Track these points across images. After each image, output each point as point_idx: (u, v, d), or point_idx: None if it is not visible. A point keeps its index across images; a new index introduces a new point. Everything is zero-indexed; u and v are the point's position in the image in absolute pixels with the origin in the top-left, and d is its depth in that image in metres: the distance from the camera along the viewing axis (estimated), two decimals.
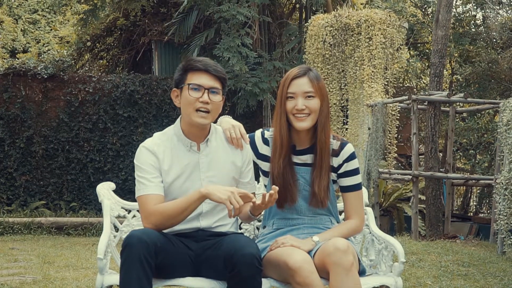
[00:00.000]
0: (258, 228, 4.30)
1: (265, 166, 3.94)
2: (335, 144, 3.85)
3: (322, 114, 3.78)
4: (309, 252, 3.57)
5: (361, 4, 17.90)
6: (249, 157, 3.90)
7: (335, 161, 3.85)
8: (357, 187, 3.88)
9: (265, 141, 3.93)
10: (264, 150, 3.93)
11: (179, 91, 3.75)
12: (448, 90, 15.85)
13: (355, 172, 3.87)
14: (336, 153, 3.84)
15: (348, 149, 3.86)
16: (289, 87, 3.76)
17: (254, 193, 3.93)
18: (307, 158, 3.86)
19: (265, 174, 3.95)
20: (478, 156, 15.08)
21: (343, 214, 4.08)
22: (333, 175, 3.88)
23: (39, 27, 24.43)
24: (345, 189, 3.88)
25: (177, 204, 3.57)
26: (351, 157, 3.86)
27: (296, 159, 3.86)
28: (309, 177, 3.83)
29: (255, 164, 3.96)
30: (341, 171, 3.86)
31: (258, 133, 3.98)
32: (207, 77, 3.69)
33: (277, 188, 3.53)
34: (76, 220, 12.63)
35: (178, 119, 3.83)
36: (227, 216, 3.82)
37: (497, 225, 8.80)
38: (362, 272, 3.68)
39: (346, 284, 3.37)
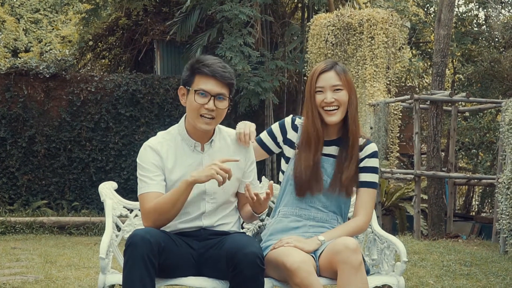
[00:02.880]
0: (260, 227, 4.30)
1: (289, 152, 3.96)
2: (360, 141, 3.90)
3: (352, 106, 3.83)
4: (315, 251, 3.58)
5: (363, 3, 17.89)
6: (252, 157, 3.90)
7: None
8: (372, 185, 3.90)
9: (295, 128, 3.95)
10: (291, 135, 3.95)
11: (186, 92, 3.72)
12: (450, 89, 15.85)
13: (373, 170, 3.91)
14: (361, 148, 3.89)
15: (372, 146, 3.93)
16: (317, 82, 3.80)
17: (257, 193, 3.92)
18: (333, 150, 3.89)
19: (287, 160, 3.97)
20: (480, 155, 15.07)
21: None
22: None
23: (41, 27, 24.45)
24: (361, 184, 3.90)
25: (167, 197, 3.58)
26: (373, 154, 3.91)
27: (325, 150, 3.89)
28: (331, 168, 3.87)
29: (258, 164, 3.97)
30: (361, 165, 3.90)
31: (288, 119, 4.01)
32: (214, 83, 3.65)
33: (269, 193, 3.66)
34: (78, 220, 12.64)
35: (183, 118, 3.82)
36: (229, 215, 3.85)
37: (499, 225, 8.80)
38: (366, 272, 3.68)
39: (354, 283, 3.38)
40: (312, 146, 3.83)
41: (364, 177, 3.89)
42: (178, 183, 3.68)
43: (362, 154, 3.89)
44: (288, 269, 3.40)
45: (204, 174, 3.50)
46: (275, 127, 4.01)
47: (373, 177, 3.89)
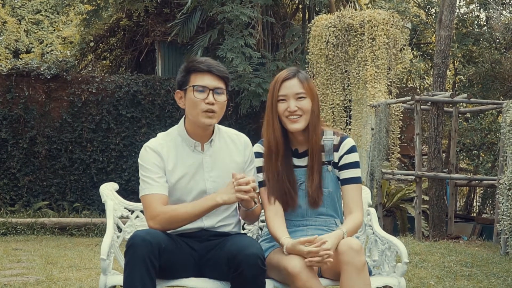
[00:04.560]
0: (261, 229, 4.30)
1: None
2: (335, 140, 3.85)
3: (314, 114, 3.78)
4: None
5: (364, 4, 17.89)
6: (252, 156, 3.89)
7: (336, 156, 3.85)
8: (356, 180, 3.84)
9: None
10: None
11: (183, 93, 3.74)
12: (451, 90, 15.85)
13: (354, 165, 3.84)
14: (337, 148, 3.84)
15: (348, 142, 3.85)
16: (280, 90, 3.77)
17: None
18: (307, 161, 3.85)
19: None
20: (482, 156, 15.06)
21: None
22: (337, 172, 3.87)
23: (42, 28, 24.48)
24: (345, 182, 3.84)
25: (189, 208, 3.60)
26: (351, 150, 3.84)
27: (299, 162, 3.86)
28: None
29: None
30: (340, 163, 3.85)
31: (259, 148, 3.93)
32: (211, 78, 3.68)
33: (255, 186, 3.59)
34: (79, 221, 12.62)
35: (182, 119, 3.83)
36: (230, 216, 3.84)
37: (500, 226, 8.79)
38: (368, 273, 3.67)
39: (357, 283, 3.38)
40: (272, 157, 3.81)
41: (347, 174, 3.83)
42: (179, 184, 3.70)
43: (340, 153, 3.83)
44: (290, 274, 3.41)
45: (231, 199, 3.56)
46: (258, 165, 3.92)
47: (356, 172, 3.84)
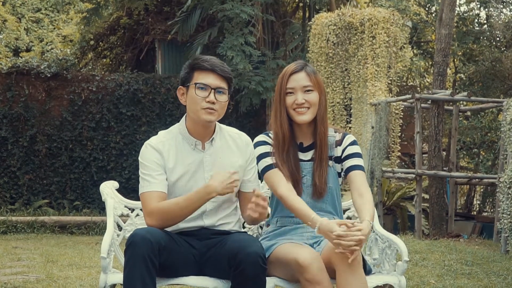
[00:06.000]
0: (261, 227, 4.30)
1: None
2: (337, 136, 3.91)
3: (321, 107, 3.82)
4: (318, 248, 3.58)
5: (365, 2, 17.88)
6: (253, 155, 3.89)
7: (339, 150, 3.89)
8: (362, 168, 3.86)
9: None
10: None
11: (185, 89, 3.74)
12: (451, 89, 15.83)
13: (357, 155, 3.87)
14: (339, 142, 3.90)
15: (351, 136, 3.93)
16: (287, 83, 3.79)
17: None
18: (311, 155, 3.88)
19: None
20: (482, 155, 15.06)
21: (345, 213, 4.07)
22: (339, 167, 3.90)
23: (42, 26, 24.43)
24: (351, 169, 3.83)
25: (180, 202, 3.58)
26: (353, 143, 3.90)
27: (303, 156, 3.87)
28: (310, 173, 3.85)
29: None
30: (344, 155, 3.88)
31: (264, 138, 3.92)
32: (214, 77, 3.69)
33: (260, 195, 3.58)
34: (80, 219, 12.64)
35: (183, 118, 3.83)
36: (230, 214, 3.84)
37: (501, 224, 8.79)
38: (368, 272, 3.67)
39: (354, 281, 3.38)
40: (279, 148, 3.82)
41: (352, 162, 3.84)
42: (179, 182, 3.70)
43: (343, 146, 3.88)
44: (300, 265, 3.39)
45: (225, 191, 3.57)
46: (264, 151, 3.91)
47: (360, 161, 3.86)
